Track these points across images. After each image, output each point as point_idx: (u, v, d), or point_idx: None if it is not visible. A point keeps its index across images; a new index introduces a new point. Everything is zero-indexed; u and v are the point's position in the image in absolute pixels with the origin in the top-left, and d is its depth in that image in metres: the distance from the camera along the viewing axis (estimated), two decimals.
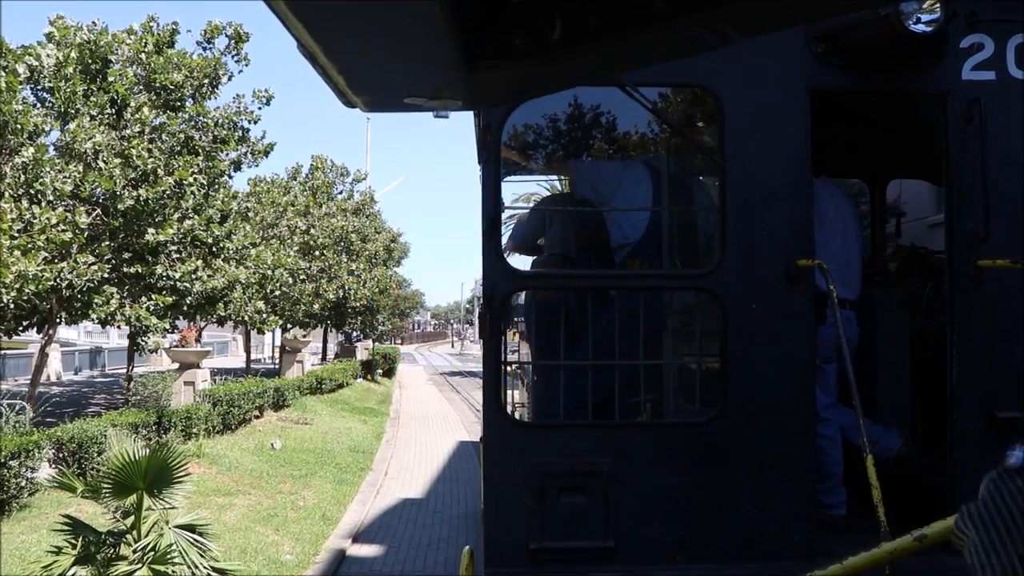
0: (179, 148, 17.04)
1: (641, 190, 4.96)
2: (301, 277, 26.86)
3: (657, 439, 4.19)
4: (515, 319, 5.82)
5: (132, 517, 7.73)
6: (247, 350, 29.42)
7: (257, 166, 21.74)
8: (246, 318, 21.46)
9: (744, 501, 4.06)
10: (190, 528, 7.94)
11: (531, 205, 6.72)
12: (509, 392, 4.85)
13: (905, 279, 6.07)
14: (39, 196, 13.03)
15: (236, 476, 13.46)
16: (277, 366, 29.55)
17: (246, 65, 19.85)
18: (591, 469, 4.01)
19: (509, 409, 4.61)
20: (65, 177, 13.68)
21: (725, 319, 4.09)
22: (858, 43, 4.16)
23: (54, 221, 12.60)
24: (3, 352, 27.63)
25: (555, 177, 6.78)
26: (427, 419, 24.91)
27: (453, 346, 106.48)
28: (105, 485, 7.67)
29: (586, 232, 5.27)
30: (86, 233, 13.81)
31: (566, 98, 4.98)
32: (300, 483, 13.69)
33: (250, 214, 25.44)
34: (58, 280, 13.84)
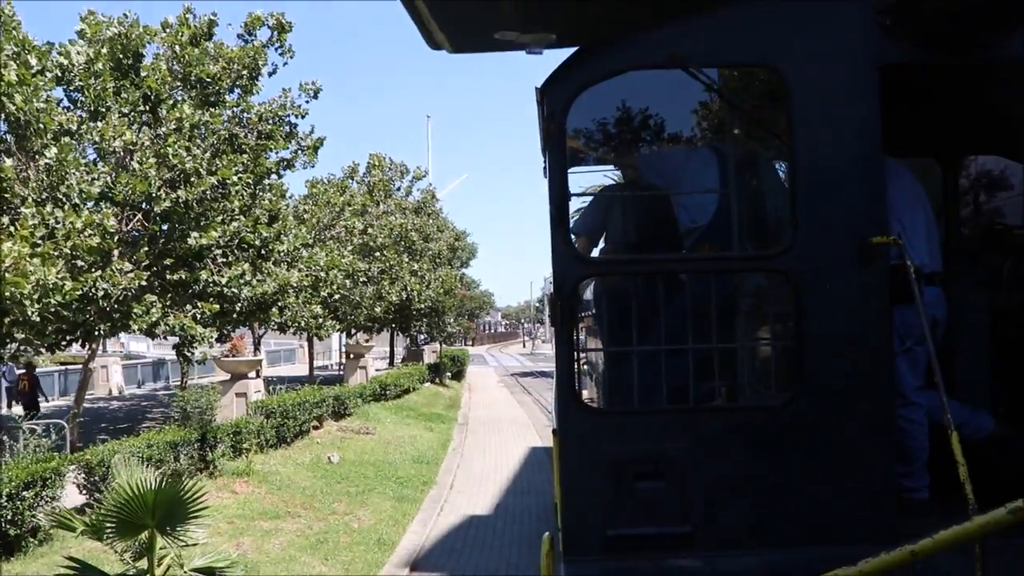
0: (222, 146, 16.05)
1: (708, 173, 4.86)
2: (361, 279, 25.82)
3: (733, 423, 4.12)
4: (583, 312, 5.38)
5: (145, 558, 6.63)
6: (310, 357, 28.53)
7: (312, 167, 20.64)
8: (302, 323, 20.40)
9: (823, 485, 3.99)
10: (209, 571, 6.80)
11: (596, 193, 6.09)
12: (583, 380, 4.63)
13: (984, 256, 5.81)
14: (65, 199, 12.05)
15: (287, 495, 12.29)
16: (342, 372, 28.58)
17: (291, 58, 18.83)
18: (667, 455, 3.98)
19: (583, 396, 4.42)
20: (93, 178, 12.68)
21: (798, 300, 4.02)
22: (928, 12, 4.02)
23: (79, 226, 11.55)
24: (64, 367, 27.23)
25: (618, 167, 6.34)
26: (497, 424, 23.58)
27: (524, 346, 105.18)
28: (108, 523, 6.53)
29: (653, 219, 5.22)
30: (116, 237, 12.75)
31: (628, 84, 4.65)
32: (356, 501, 12.45)
33: (305, 216, 24.53)
34: (93, 290, 12.89)
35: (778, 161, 4.80)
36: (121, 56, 14.94)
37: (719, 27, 4.12)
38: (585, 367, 5.03)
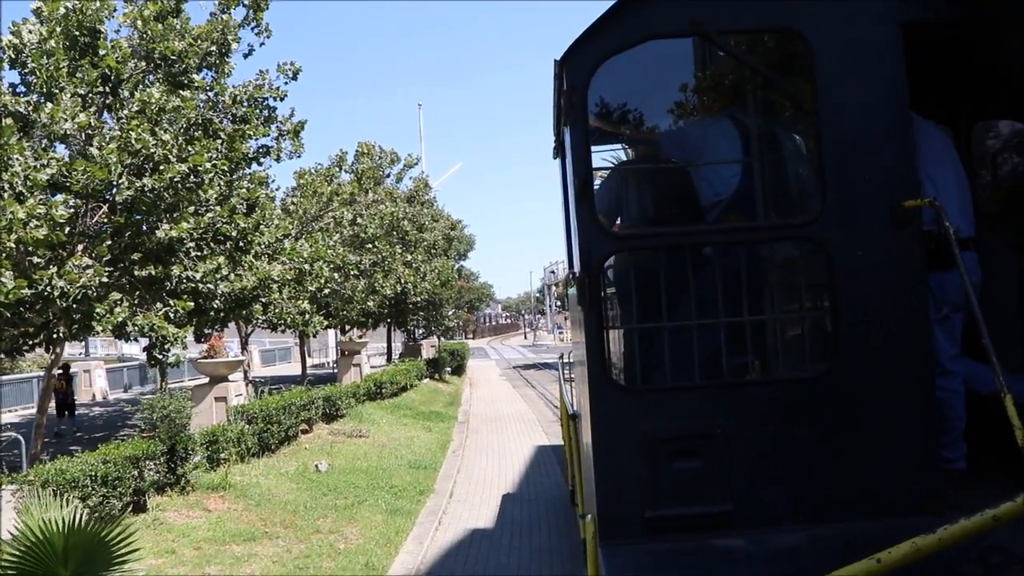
0: (194, 132, 14.79)
1: (730, 144, 4.72)
2: (353, 272, 24.52)
3: (769, 397, 4.00)
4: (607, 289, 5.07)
5: None
6: (302, 355, 27.27)
7: (299, 156, 19.52)
8: (288, 320, 19.13)
9: (864, 456, 3.92)
10: None
11: (613, 170, 5.84)
12: (612, 358, 4.36)
13: (1009, 219, 5.67)
14: (9, 188, 10.75)
15: (266, 512, 11.04)
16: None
17: (267, 37, 17.66)
18: (703, 431, 3.91)
19: (614, 375, 4.26)
20: (41, 164, 11.38)
21: (830, 268, 4.00)
22: None
23: (22, 216, 10.27)
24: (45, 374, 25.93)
25: (635, 142, 5.90)
26: (500, 421, 22.33)
27: (526, 337, 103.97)
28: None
29: (672, 193, 5.12)
30: (67, 230, 11.48)
31: (646, 55, 4.45)
32: (344, 516, 11.19)
33: (291, 207, 23.27)
34: (49, 288, 11.63)
35: (803, 127, 4.62)
36: (76, 33, 13.66)
37: None
38: (613, 345, 4.65)
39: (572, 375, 7.36)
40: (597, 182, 5.13)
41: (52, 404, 23.06)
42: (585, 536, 4.41)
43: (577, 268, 4.30)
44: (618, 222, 5.20)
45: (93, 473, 9.32)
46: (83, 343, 37.97)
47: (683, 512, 3.86)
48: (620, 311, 4.76)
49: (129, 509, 10.13)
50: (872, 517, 3.83)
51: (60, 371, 22.66)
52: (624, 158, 5.71)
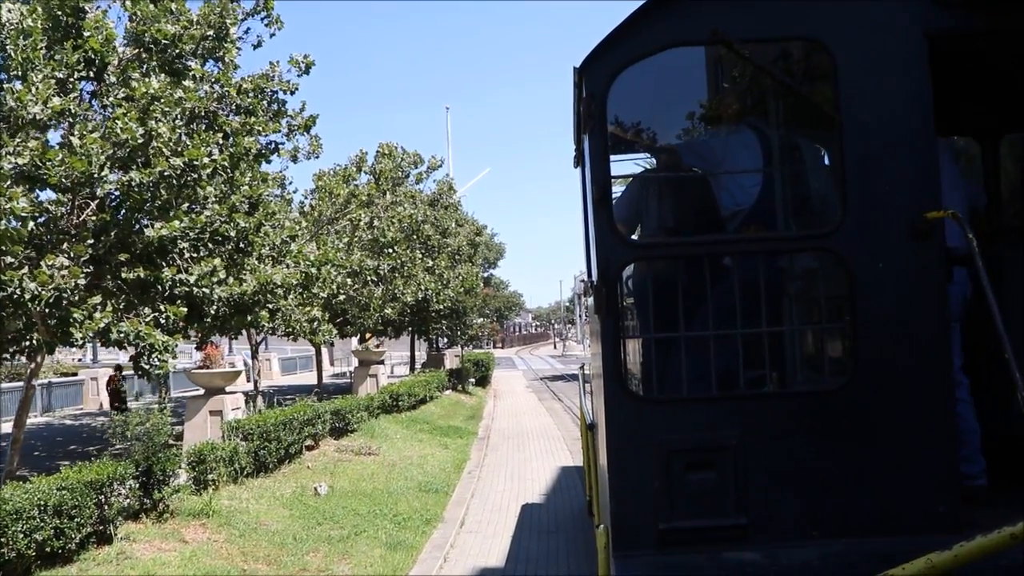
0: (197, 124, 13.70)
1: (751, 154, 4.67)
2: (371, 278, 23.29)
3: (786, 410, 3.98)
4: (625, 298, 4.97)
5: None
6: (318, 365, 26.15)
7: (317, 157, 18.44)
8: (296, 328, 17.93)
9: (882, 472, 3.88)
10: None
11: (633, 179, 5.70)
12: (629, 368, 4.20)
13: None
14: None
15: (249, 544, 9.76)
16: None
17: (279, 29, 16.58)
18: (719, 444, 3.88)
19: (630, 385, 4.17)
20: (6, 152, 10.24)
21: (851, 280, 3.96)
22: None
23: None
24: (49, 382, 25.14)
25: (655, 151, 5.64)
26: (523, 437, 20.96)
27: (555, 347, 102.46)
28: None
29: (693, 203, 5.12)
30: (30, 225, 10.31)
31: (665, 64, 4.27)
32: (337, 550, 9.89)
33: (306, 209, 22.16)
34: (19, 291, 10.50)
35: (825, 137, 4.62)
36: (59, 13, 12.55)
37: (761, 1, 3.95)
38: (630, 355, 4.47)
39: (590, 384, 6.89)
40: (617, 190, 5.06)
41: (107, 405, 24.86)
42: (598, 546, 4.36)
43: (595, 277, 4.21)
44: (638, 231, 5.13)
45: (43, 502, 8.08)
46: (81, 348, 37.17)
47: (697, 524, 3.82)
48: (637, 321, 4.63)
49: (91, 542, 8.92)
50: (889, 533, 3.79)
51: (113, 372, 24.54)
52: (648, 167, 5.55)
